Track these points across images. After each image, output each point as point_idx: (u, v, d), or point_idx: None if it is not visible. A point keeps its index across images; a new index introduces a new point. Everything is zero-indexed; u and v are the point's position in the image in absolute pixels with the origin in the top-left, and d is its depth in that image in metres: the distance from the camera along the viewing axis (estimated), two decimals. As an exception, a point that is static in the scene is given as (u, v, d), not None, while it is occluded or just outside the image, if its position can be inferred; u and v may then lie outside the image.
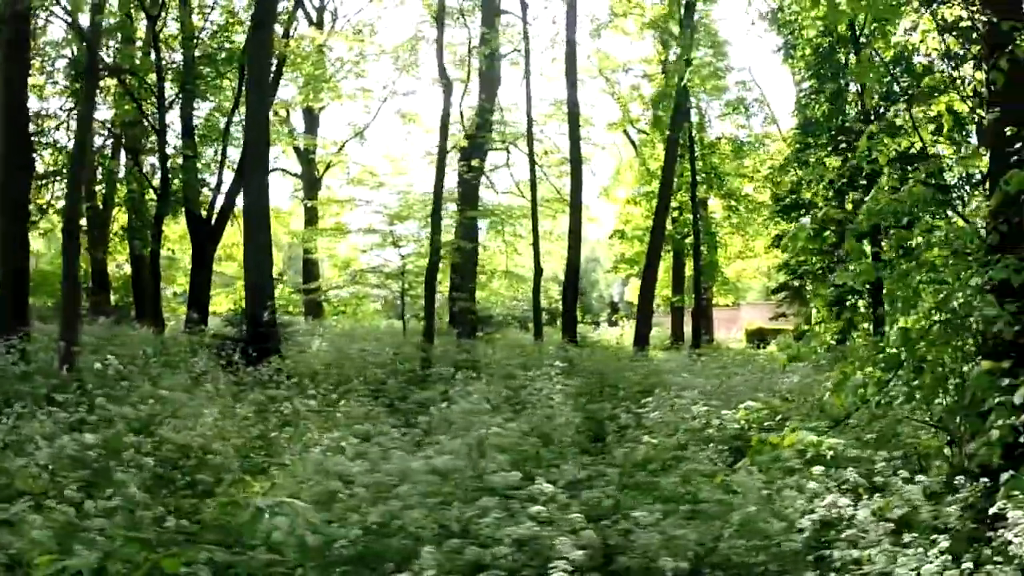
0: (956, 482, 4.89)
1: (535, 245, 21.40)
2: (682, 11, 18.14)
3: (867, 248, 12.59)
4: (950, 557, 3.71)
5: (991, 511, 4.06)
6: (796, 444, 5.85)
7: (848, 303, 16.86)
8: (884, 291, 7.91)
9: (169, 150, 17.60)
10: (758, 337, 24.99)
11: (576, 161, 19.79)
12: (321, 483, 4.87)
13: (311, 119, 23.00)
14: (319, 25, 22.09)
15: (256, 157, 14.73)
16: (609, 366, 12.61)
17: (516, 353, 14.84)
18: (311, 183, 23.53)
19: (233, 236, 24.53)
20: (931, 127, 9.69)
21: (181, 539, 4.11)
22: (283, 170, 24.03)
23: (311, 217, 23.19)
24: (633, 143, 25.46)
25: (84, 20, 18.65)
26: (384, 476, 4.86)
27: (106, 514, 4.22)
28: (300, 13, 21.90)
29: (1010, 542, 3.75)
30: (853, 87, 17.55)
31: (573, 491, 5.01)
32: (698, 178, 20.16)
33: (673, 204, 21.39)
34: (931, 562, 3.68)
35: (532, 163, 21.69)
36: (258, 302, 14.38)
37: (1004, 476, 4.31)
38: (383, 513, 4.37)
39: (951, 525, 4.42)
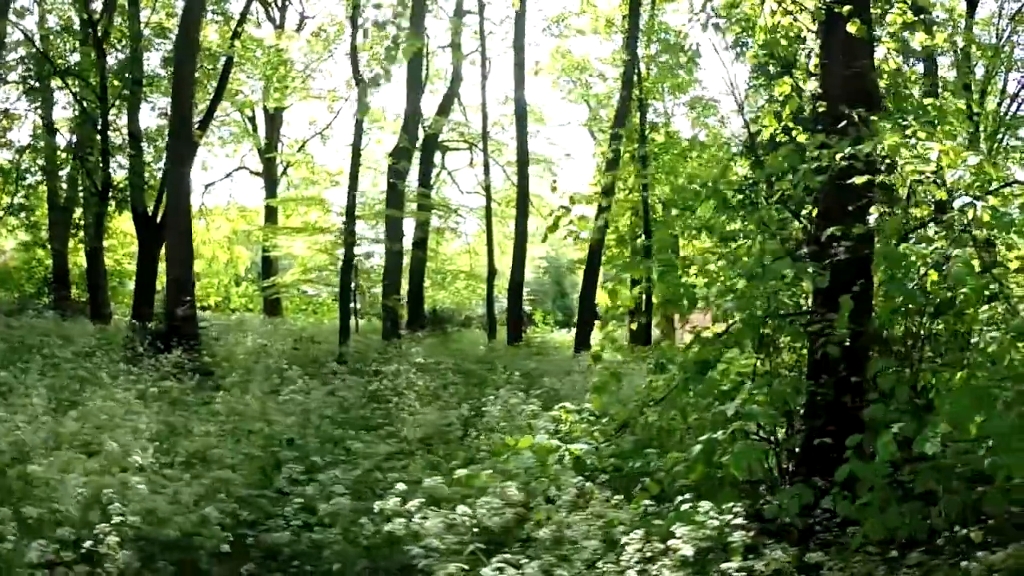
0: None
1: (489, 245, 21.45)
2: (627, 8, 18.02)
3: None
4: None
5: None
6: (533, 447, 5.77)
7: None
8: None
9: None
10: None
11: (523, 163, 19.76)
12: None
13: (271, 118, 23.32)
14: (281, 25, 22.39)
15: (178, 153, 15.00)
16: (495, 365, 12.55)
17: (433, 352, 14.85)
18: (271, 182, 23.86)
19: (202, 234, 25.05)
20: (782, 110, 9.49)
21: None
22: (247, 169, 24.47)
23: (270, 216, 23.49)
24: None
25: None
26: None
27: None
28: (263, 14, 22.26)
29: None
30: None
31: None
32: (652, 179, 19.90)
33: (628, 204, 21.18)
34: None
35: (487, 163, 21.77)
36: (175, 296, 14.66)
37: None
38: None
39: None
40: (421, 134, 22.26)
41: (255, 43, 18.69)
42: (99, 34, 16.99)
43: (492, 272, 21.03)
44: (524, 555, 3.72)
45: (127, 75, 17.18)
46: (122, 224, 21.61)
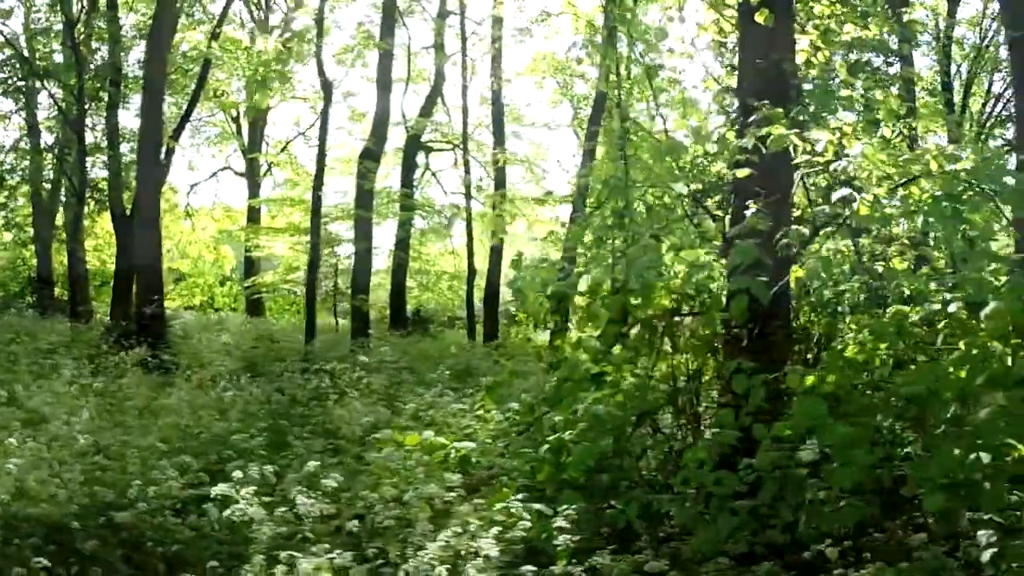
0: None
1: (469, 246, 21.44)
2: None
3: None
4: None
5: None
6: (420, 444, 5.73)
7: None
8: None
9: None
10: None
11: (500, 164, 19.76)
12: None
13: (254, 118, 23.40)
14: (265, 27, 22.45)
15: (148, 153, 15.10)
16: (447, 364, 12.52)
17: (401, 351, 14.83)
18: (254, 182, 23.95)
19: (188, 234, 25.20)
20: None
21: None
22: (231, 169, 24.56)
23: (253, 216, 23.59)
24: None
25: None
26: None
27: None
28: (246, 15, 22.36)
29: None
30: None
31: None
32: (630, 180, 19.83)
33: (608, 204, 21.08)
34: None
35: (467, 164, 21.78)
36: (143, 295, 14.75)
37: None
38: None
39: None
40: (404, 135, 22.36)
41: (234, 44, 18.73)
42: (77, 36, 17.12)
43: (472, 273, 21.04)
44: (338, 546, 3.71)
45: (104, 77, 17.28)
46: (107, 224, 21.74)
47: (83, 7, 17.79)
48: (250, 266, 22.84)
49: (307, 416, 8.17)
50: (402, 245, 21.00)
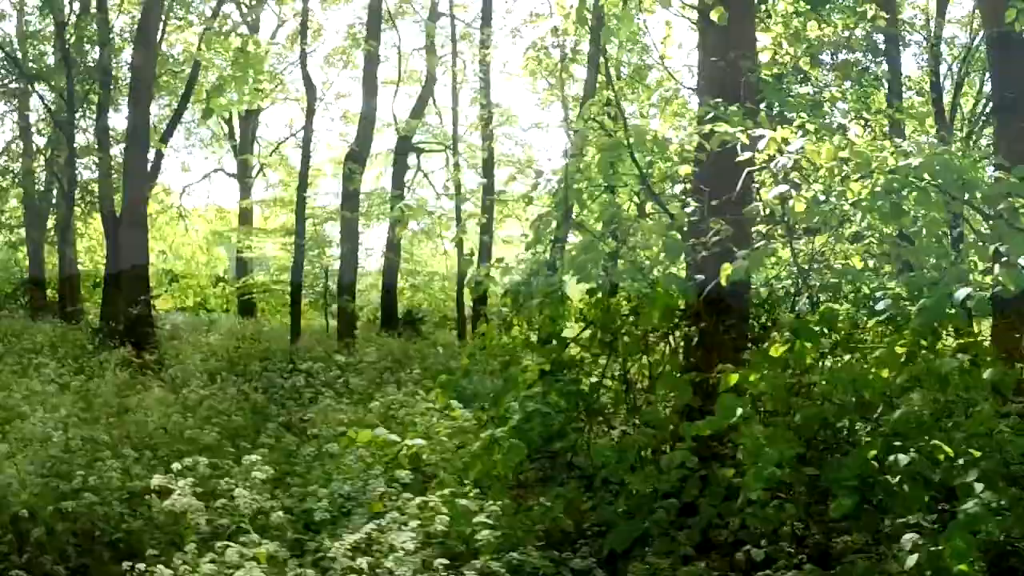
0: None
1: (459, 247, 21.49)
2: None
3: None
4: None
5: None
6: (372, 441, 5.77)
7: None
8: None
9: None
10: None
11: (489, 165, 19.85)
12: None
13: (246, 119, 23.51)
14: (256, 29, 22.55)
15: (134, 155, 15.23)
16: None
17: (384, 351, 14.88)
18: (245, 184, 24.06)
19: (182, 236, 25.32)
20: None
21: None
22: (223, 170, 24.69)
23: (245, 217, 23.70)
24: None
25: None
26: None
27: None
28: (237, 17, 22.41)
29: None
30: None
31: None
32: (619, 177, 19.87)
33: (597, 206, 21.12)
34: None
35: (456, 165, 21.85)
36: (129, 296, 14.85)
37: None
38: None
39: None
40: (395, 136, 22.43)
41: (222, 46, 18.80)
42: (68, 37, 17.24)
43: (462, 274, 21.09)
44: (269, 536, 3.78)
45: (93, 80, 17.38)
46: (100, 226, 21.86)
47: (71, 10, 17.90)
48: (242, 267, 22.94)
49: (277, 415, 8.23)
50: (392, 247, 21.08)
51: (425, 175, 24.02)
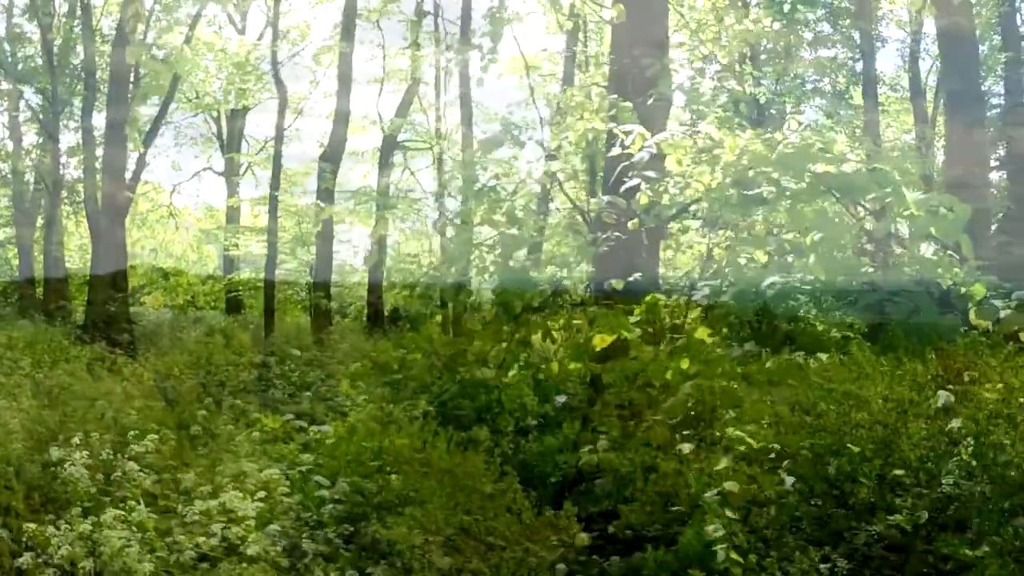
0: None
1: (443, 245, 21.66)
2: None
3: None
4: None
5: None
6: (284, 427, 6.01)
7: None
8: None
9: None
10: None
11: (469, 162, 19.97)
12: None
13: (233, 118, 23.81)
14: (242, 31, 22.88)
15: (112, 153, 15.57)
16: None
17: (355, 346, 15.13)
18: (232, 182, 24.36)
19: (172, 234, 25.67)
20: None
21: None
22: (212, 169, 25.03)
23: (232, 216, 24.01)
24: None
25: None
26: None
27: None
28: (224, 18, 22.75)
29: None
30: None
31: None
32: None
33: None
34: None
35: (440, 163, 22.03)
36: (107, 293, 15.20)
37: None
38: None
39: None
40: (380, 135, 22.69)
41: (207, 47, 19.13)
42: (53, 38, 17.61)
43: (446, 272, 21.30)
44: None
45: (78, 81, 17.74)
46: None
47: (54, 12, 18.26)
48: (230, 265, 23.26)
49: (222, 403, 8.48)
50: (381, 245, 21.31)
51: (412, 173, 24.32)
